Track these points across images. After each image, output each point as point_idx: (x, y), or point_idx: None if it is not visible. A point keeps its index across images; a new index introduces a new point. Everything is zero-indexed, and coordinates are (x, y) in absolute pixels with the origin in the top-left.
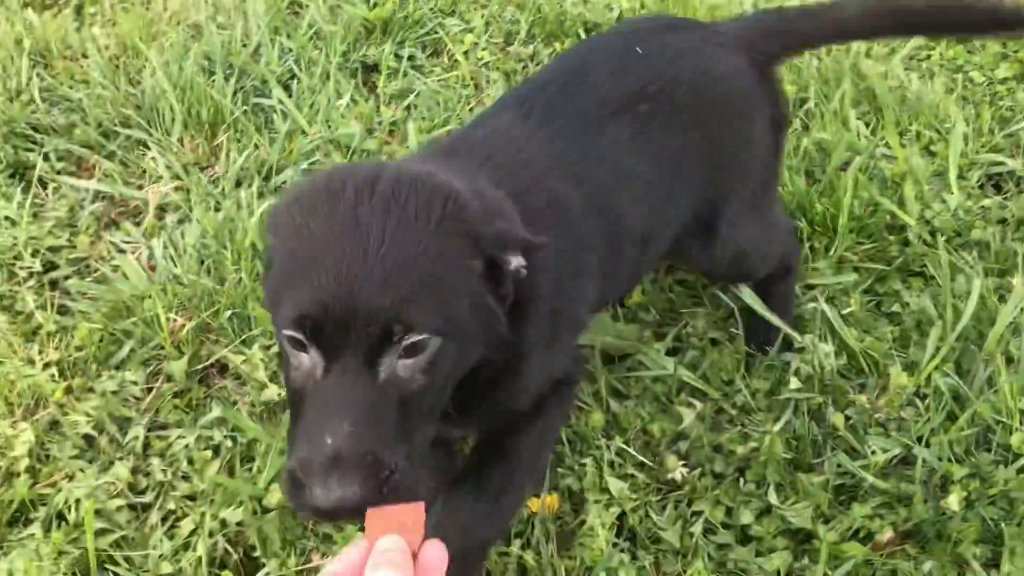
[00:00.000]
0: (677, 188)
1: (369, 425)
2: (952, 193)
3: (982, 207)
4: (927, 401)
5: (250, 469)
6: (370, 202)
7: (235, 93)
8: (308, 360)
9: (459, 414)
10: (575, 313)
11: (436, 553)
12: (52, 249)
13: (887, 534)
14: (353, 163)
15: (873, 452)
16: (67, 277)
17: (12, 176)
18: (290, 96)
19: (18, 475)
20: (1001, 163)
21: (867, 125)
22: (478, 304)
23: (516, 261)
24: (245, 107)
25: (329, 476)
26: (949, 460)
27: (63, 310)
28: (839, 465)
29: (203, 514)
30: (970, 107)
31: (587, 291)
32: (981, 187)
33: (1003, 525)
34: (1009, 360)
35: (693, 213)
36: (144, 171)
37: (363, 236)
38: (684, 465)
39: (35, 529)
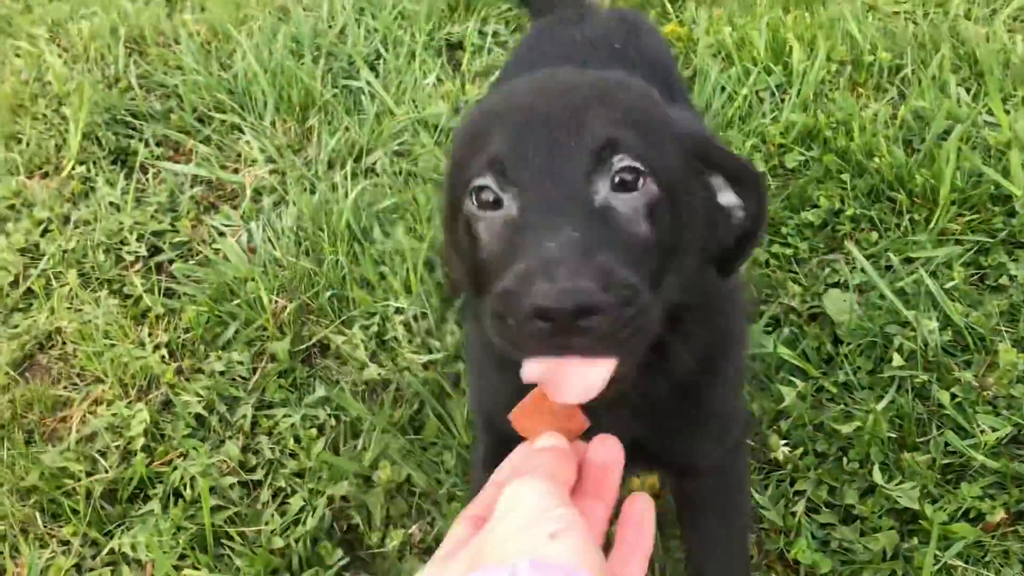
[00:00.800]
0: None
1: (596, 237)
2: None
3: None
4: None
5: (355, 447)
6: (558, 73)
7: (324, 75)
8: (502, 213)
9: (660, 414)
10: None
11: (608, 452)
12: (156, 233)
13: (998, 515)
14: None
15: (982, 431)
16: (171, 261)
17: (115, 163)
18: (377, 77)
19: (135, 453)
20: None
21: (968, 91)
22: (694, 174)
23: (727, 197)
24: (335, 89)
25: (555, 270)
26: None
27: (170, 293)
28: (947, 444)
29: (311, 490)
30: None
31: None
32: None
33: None
34: None
35: None
36: (239, 155)
37: (563, 81)
38: (786, 444)
39: (154, 505)
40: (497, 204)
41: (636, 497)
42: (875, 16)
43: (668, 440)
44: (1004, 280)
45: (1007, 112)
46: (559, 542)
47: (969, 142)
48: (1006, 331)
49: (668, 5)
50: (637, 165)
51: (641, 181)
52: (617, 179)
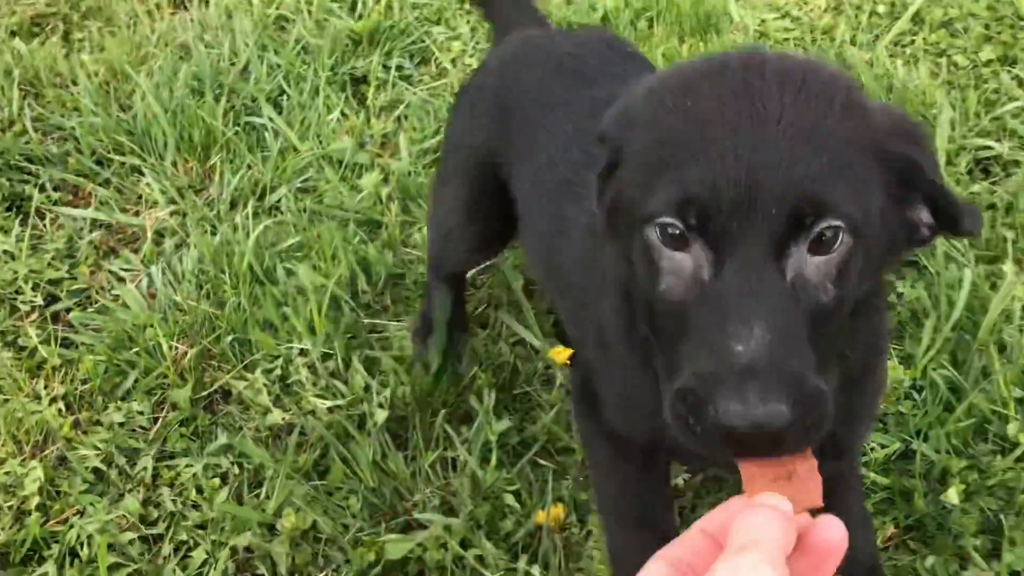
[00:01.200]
0: None
1: (789, 336)
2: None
3: (971, 193)
4: (924, 394)
5: (258, 495)
6: (762, 76)
7: (226, 113)
8: (690, 260)
9: None
10: None
11: (836, 535)
12: (53, 282)
13: (889, 530)
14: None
15: (873, 448)
16: (69, 309)
17: (9, 209)
18: (280, 113)
19: (29, 513)
20: (989, 147)
21: None
22: (887, 215)
23: (924, 216)
24: (236, 127)
25: (745, 386)
26: (948, 453)
27: (67, 343)
28: None
29: (214, 542)
30: (956, 92)
31: None
32: (970, 173)
33: (1002, 516)
34: (1002, 348)
35: None
36: (140, 197)
37: (759, 107)
38: (686, 471)
39: (49, 567)
40: (684, 245)
41: (827, 522)
42: (766, 41)
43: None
44: (892, 298)
45: None
46: None
47: None
48: (894, 349)
49: None
50: (840, 224)
51: (839, 238)
52: (812, 245)
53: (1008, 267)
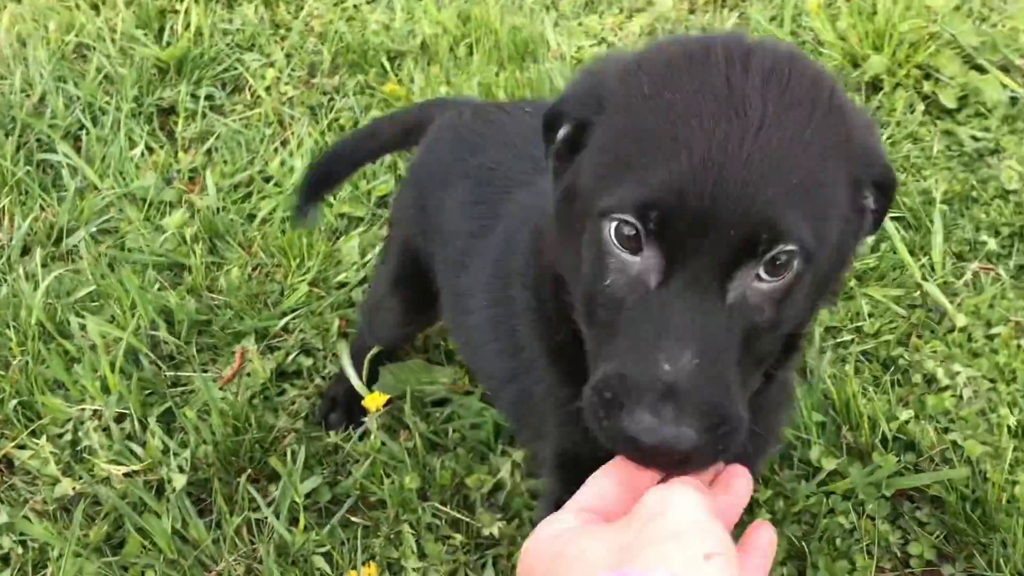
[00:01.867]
0: None
1: (715, 361)
2: None
3: None
4: None
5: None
6: (746, 73)
7: (17, 150)
8: (639, 263)
9: None
10: None
11: (745, 480)
12: None
13: None
14: (698, 35)
15: None
16: None
17: None
18: (79, 149)
19: None
20: None
21: None
22: (847, 233)
23: (870, 203)
24: (28, 166)
25: (663, 405)
26: (756, 481)
27: None
28: None
29: None
30: None
31: None
32: None
33: (806, 542)
34: (803, 372)
35: None
36: None
37: (740, 113)
38: (502, 519)
39: None
40: (637, 246)
41: (762, 525)
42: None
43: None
44: None
45: None
46: (712, 564)
47: None
48: None
49: (387, 64)
50: (793, 249)
51: (791, 265)
52: (763, 268)
53: None
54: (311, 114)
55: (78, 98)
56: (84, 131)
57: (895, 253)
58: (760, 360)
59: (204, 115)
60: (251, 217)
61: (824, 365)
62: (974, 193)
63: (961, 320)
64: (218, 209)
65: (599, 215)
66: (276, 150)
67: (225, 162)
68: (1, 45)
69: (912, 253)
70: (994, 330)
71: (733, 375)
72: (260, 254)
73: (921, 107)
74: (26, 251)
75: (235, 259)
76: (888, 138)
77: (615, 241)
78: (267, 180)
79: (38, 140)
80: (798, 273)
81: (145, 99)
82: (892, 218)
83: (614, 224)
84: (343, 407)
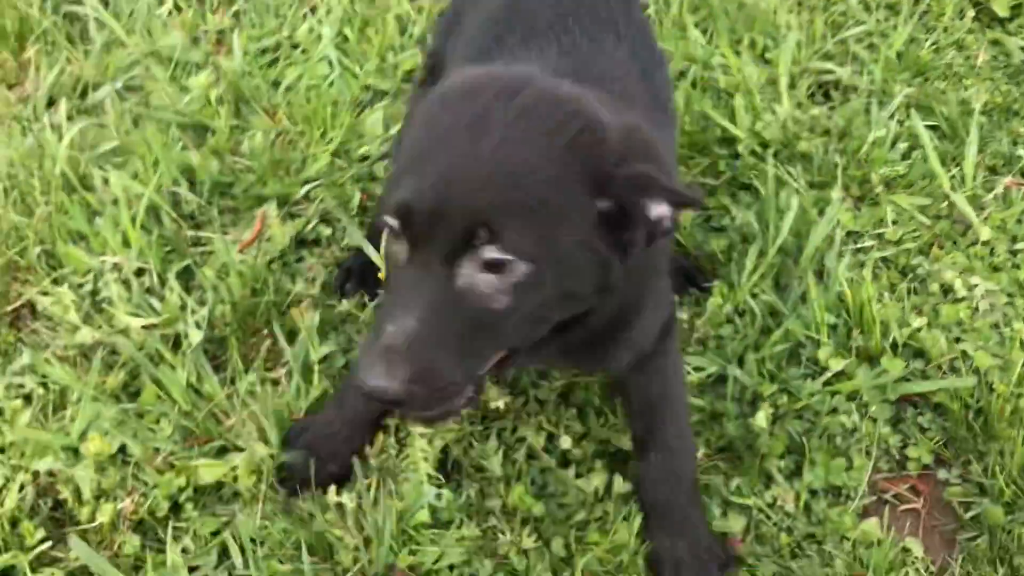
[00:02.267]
0: None
1: (434, 327)
2: (782, 104)
3: (811, 116)
4: (744, 319)
5: (62, 417)
6: (505, 107)
7: (44, 1)
8: (399, 248)
9: (562, 355)
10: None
11: None
12: None
13: (700, 451)
14: (510, 68)
15: (689, 372)
16: None
17: None
18: (107, 3)
19: None
20: (831, 71)
21: (705, 32)
22: (589, 245)
23: (658, 210)
24: (55, 17)
25: (376, 363)
26: (761, 376)
27: None
28: None
29: (13, 467)
30: (805, 13)
31: None
32: (811, 96)
33: (807, 438)
34: (821, 275)
35: None
36: None
37: (482, 137)
38: (508, 394)
39: None
40: (399, 236)
41: None
42: None
43: (583, 359)
44: (726, 221)
45: (737, 54)
46: None
47: (702, 85)
48: (720, 271)
49: None
50: (504, 257)
51: (508, 266)
52: (485, 264)
53: (835, 193)
54: None
55: None
56: None
57: (926, 162)
58: (509, 336)
59: None
60: (276, 84)
61: (841, 268)
62: (1016, 106)
63: (985, 233)
64: (244, 73)
65: (383, 212)
66: (304, 16)
67: (253, 25)
68: None
69: (943, 163)
70: (1018, 245)
71: (454, 344)
72: (284, 121)
73: (971, 13)
74: (51, 103)
75: (259, 124)
76: (932, 44)
77: (389, 231)
78: (294, 47)
79: None
80: (528, 274)
81: None
82: (926, 127)
83: (387, 221)
84: (358, 277)
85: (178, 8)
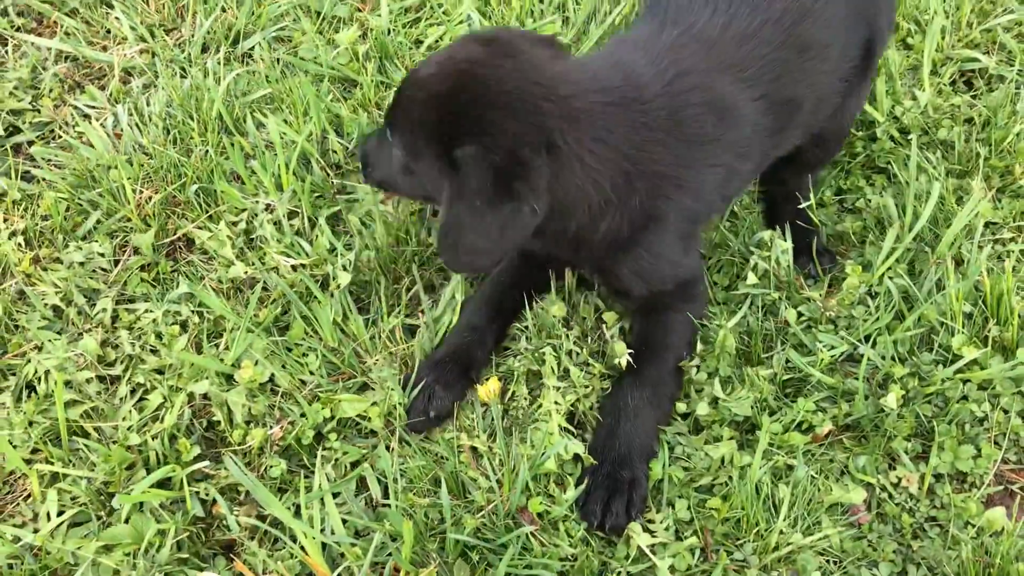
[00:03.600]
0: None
1: (370, 148)
2: (923, 90)
3: (952, 105)
4: (877, 300)
5: (217, 345)
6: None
7: None
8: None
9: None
10: (695, 207)
11: None
12: (15, 112)
13: (826, 427)
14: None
15: (821, 349)
16: (31, 142)
17: None
18: None
19: None
20: (975, 60)
21: None
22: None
23: (462, 151)
24: None
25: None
26: (893, 359)
27: (28, 177)
28: (788, 360)
29: (171, 387)
30: None
31: (716, 183)
32: (953, 84)
33: (935, 423)
34: (959, 263)
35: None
36: (108, 32)
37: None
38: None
39: (5, 398)
40: None
41: None
42: None
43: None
44: (860, 203)
45: None
46: None
47: None
48: (855, 253)
49: None
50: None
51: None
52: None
53: (976, 183)
54: None
55: None
56: None
57: None
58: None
59: None
60: (418, 42)
61: (981, 258)
62: None
63: None
64: (389, 30)
65: None
66: None
67: None
68: None
69: None
70: None
71: (375, 161)
72: None
73: None
74: (205, 49)
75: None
76: None
77: None
78: (438, 6)
79: None
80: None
81: None
82: None
83: None
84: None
85: None
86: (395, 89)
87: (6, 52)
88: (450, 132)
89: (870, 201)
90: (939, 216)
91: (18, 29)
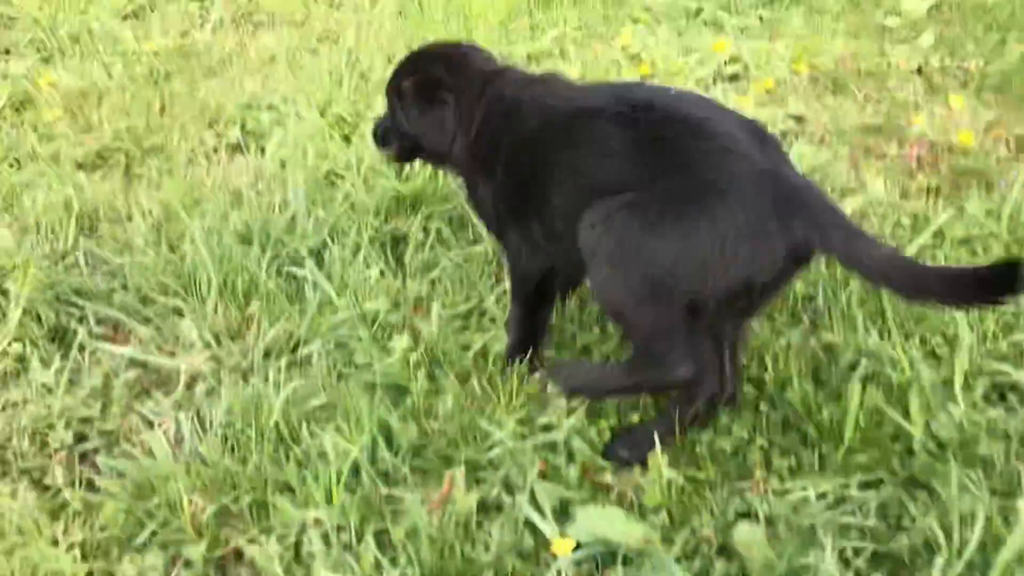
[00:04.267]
0: None
1: (383, 122)
2: (958, 404)
3: (988, 419)
4: None
5: None
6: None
7: (270, 263)
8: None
9: None
10: (520, 213)
11: None
12: (84, 420)
13: None
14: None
15: None
16: (96, 450)
17: (52, 340)
18: (321, 267)
19: None
20: (1006, 373)
21: (874, 323)
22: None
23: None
24: (278, 277)
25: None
26: None
27: (91, 485)
28: None
29: None
30: (974, 312)
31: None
32: (986, 397)
33: None
34: None
35: None
36: (177, 338)
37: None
38: None
39: None
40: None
41: None
42: None
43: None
44: (906, 522)
45: (904, 352)
46: None
47: (875, 379)
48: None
49: None
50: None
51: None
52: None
53: (1022, 504)
54: None
55: (325, 220)
56: (327, 250)
57: None
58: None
59: (431, 247)
60: (465, 348)
61: None
62: None
63: None
64: (439, 338)
65: None
66: (492, 287)
67: (447, 293)
68: (267, 166)
69: None
70: None
71: (384, 129)
72: (474, 386)
73: None
74: (267, 355)
75: (451, 388)
76: None
77: None
78: (482, 314)
79: (288, 255)
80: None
81: (382, 228)
82: None
83: None
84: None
85: (382, 273)
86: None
87: (83, 358)
88: (401, 79)
89: (914, 520)
90: (987, 539)
91: (96, 338)
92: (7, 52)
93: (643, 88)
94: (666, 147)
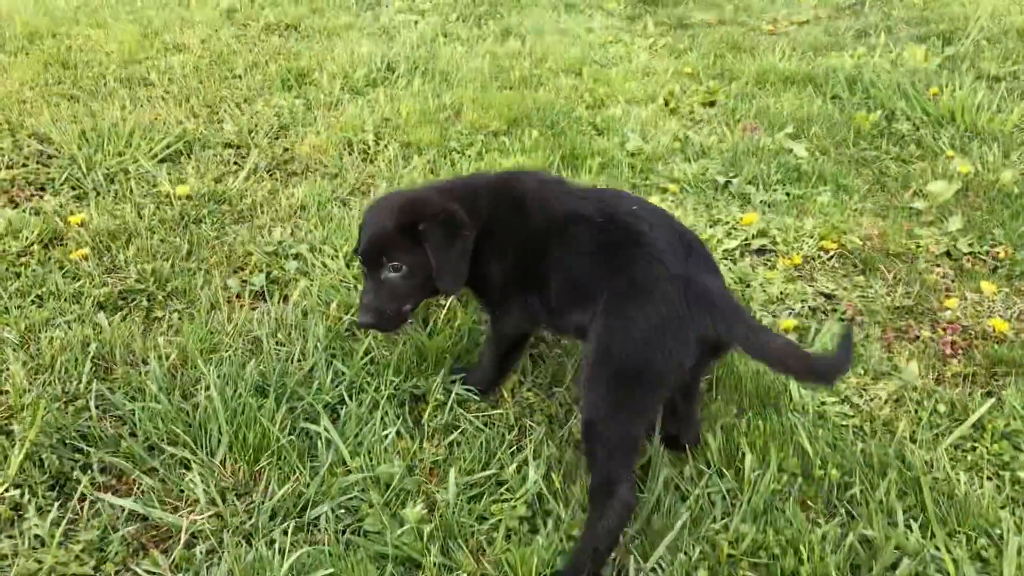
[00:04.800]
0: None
1: (376, 296)
2: None
3: None
4: None
5: None
6: (379, 206)
7: (284, 417)
8: (363, 269)
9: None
10: (515, 295)
11: None
12: None
13: None
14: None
15: None
16: None
17: (52, 488)
18: (337, 422)
19: None
20: None
21: (915, 519)
22: (421, 259)
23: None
24: (292, 435)
25: (360, 312)
26: None
27: None
28: None
29: None
30: (1020, 511)
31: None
32: None
33: None
34: None
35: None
36: (182, 492)
37: (372, 219)
38: None
39: None
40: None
41: None
42: (825, 426)
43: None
44: None
45: (948, 551)
46: None
47: None
48: None
49: None
50: (396, 264)
51: (399, 268)
52: (391, 268)
53: None
54: (548, 424)
55: (343, 374)
56: (343, 407)
57: None
58: (406, 297)
59: (451, 408)
60: (481, 519)
61: None
62: None
63: None
64: (455, 509)
65: None
66: (512, 455)
67: (465, 458)
68: (289, 315)
69: None
70: None
71: (388, 299)
72: (488, 567)
73: None
74: (273, 515)
75: (465, 564)
76: None
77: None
78: (499, 484)
79: (303, 409)
80: (407, 271)
81: (402, 384)
82: None
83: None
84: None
85: (399, 434)
86: (359, 232)
87: (81, 510)
88: (412, 222)
89: None
90: None
91: (98, 487)
92: (42, 189)
93: (620, 198)
94: (616, 251)
